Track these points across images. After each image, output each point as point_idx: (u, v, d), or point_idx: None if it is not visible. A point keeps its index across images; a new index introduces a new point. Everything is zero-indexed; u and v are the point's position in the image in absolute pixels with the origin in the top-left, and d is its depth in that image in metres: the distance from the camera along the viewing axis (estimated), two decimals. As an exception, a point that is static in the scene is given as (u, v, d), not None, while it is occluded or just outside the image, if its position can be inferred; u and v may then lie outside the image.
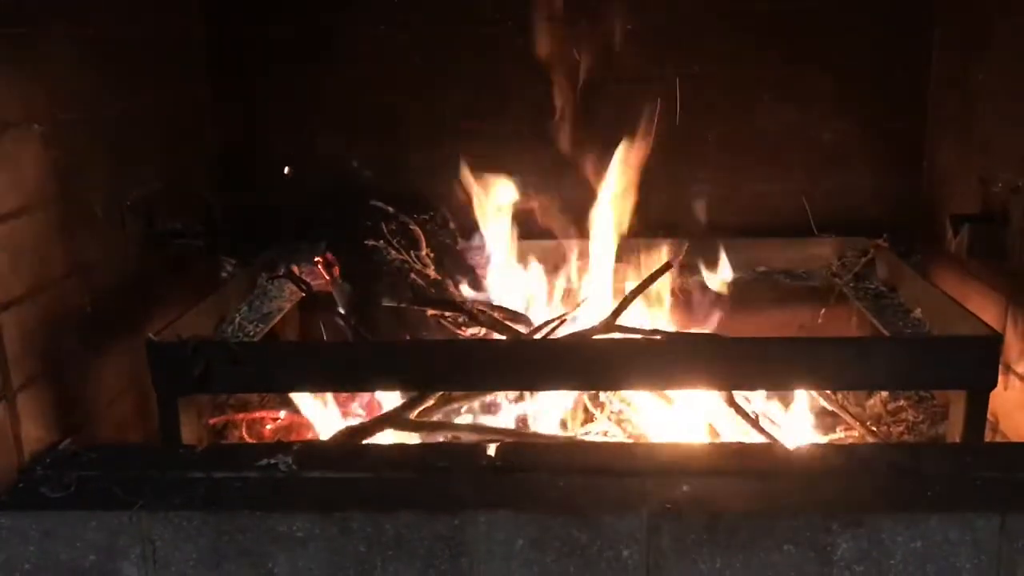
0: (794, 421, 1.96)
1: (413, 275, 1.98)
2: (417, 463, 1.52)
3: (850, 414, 1.95)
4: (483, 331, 1.93)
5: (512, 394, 1.89)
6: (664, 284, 2.05)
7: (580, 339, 1.79)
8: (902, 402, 2.07)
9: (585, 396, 1.92)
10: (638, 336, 1.79)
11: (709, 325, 2.10)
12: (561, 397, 1.90)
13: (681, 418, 1.86)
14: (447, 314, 1.95)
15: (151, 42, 2.00)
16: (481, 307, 2.00)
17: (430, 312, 1.95)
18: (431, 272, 2.05)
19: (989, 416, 1.67)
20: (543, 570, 1.37)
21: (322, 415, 1.93)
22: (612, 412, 1.92)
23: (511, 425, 1.88)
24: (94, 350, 1.73)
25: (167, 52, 2.09)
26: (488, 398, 1.88)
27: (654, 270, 1.94)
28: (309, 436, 1.93)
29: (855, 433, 1.92)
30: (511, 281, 2.16)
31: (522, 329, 1.95)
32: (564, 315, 1.97)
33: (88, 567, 1.39)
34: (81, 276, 1.69)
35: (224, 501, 1.41)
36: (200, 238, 2.03)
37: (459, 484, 1.45)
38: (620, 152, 2.12)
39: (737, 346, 1.72)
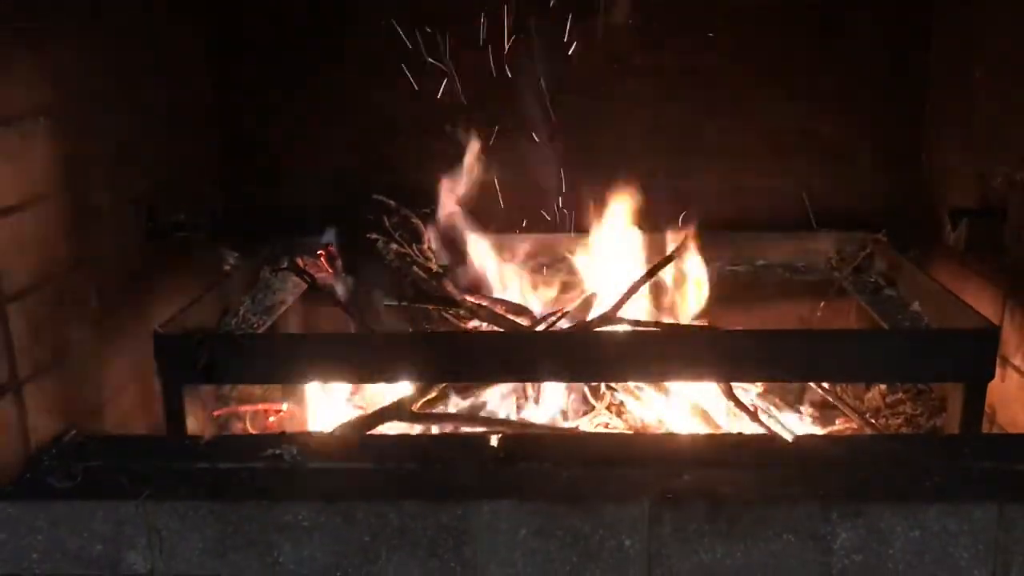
0: (793, 413, 1.98)
1: (415, 267, 1.99)
2: (421, 453, 1.53)
3: (849, 406, 1.96)
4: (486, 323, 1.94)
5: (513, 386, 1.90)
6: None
7: (582, 331, 1.80)
8: (900, 395, 2.08)
9: (586, 387, 1.93)
10: (639, 328, 1.80)
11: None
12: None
13: (679, 409, 1.87)
14: (449, 307, 1.96)
15: (155, 36, 2.00)
16: (482, 300, 2.01)
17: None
18: (433, 265, 2.06)
19: (986, 408, 1.68)
20: (546, 559, 1.39)
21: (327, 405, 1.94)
22: (613, 403, 1.93)
23: (512, 416, 1.89)
24: (99, 341, 1.74)
25: (171, 46, 2.09)
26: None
27: (656, 262, 1.96)
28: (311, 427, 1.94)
29: (854, 425, 1.94)
30: (512, 274, 2.17)
31: (524, 322, 1.96)
32: (565, 307, 1.98)
33: (95, 556, 1.41)
34: (86, 268, 1.70)
35: (230, 491, 1.42)
36: (203, 230, 2.04)
37: (462, 474, 1.46)
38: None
39: (737, 339, 1.73)
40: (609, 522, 1.38)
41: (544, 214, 2.29)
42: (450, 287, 2.00)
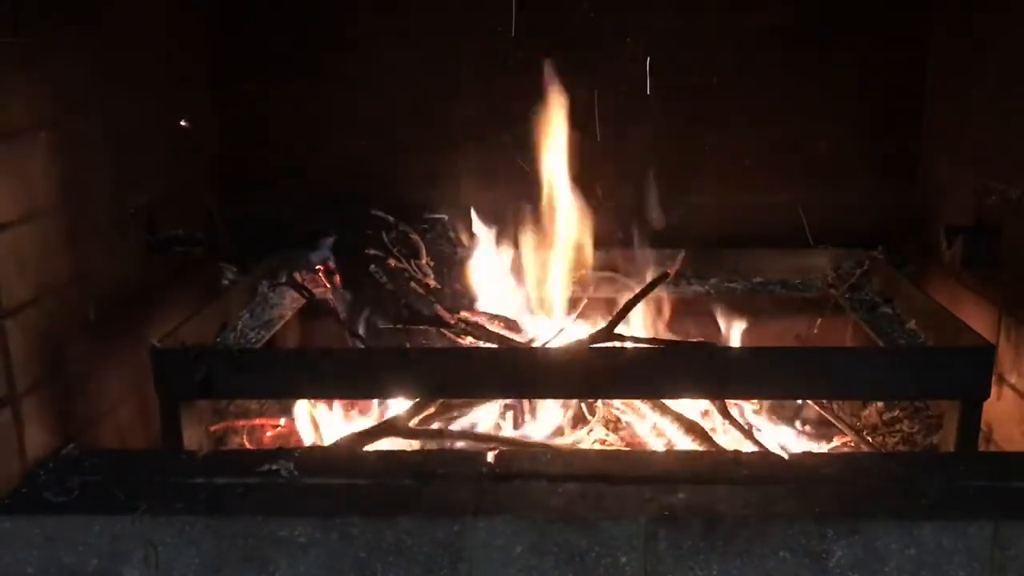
0: (789, 430, 1.98)
1: (413, 283, 2.00)
2: (417, 470, 1.53)
3: (846, 424, 1.96)
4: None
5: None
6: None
7: (578, 348, 1.80)
8: (897, 412, 2.08)
9: (582, 404, 1.93)
10: (635, 345, 1.80)
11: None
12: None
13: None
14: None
15: (154, 51, 2.01)
16: (479, 316, 2.01)
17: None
18: (431, 281, 2.06)
19: (983, 426, 1.68)
20: (541, 576, 1.39)
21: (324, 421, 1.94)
22: (609, 419, 1.93)
23: (509, 433, 1.89)
24: (97, 356, 1.74)
25: (170, 61, 2.10)
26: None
27: (651, 280, 1.96)
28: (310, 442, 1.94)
29: (850, 443, 1.94)
30: (509, 291, 2.17)
31: (520, 339, 1.96)
32: (563, 325, 1.98)
33: (90, 571, 1.40)
34: (84, 283, 1.71)
35: (226, 506, 1.42)
36: (202, 245, 2.04)
37: (458, 490, 1.46)
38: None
39: (733, 356, 1.74)
40: (605, 539, 1.38)
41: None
42: (445, 306, 2.00)
